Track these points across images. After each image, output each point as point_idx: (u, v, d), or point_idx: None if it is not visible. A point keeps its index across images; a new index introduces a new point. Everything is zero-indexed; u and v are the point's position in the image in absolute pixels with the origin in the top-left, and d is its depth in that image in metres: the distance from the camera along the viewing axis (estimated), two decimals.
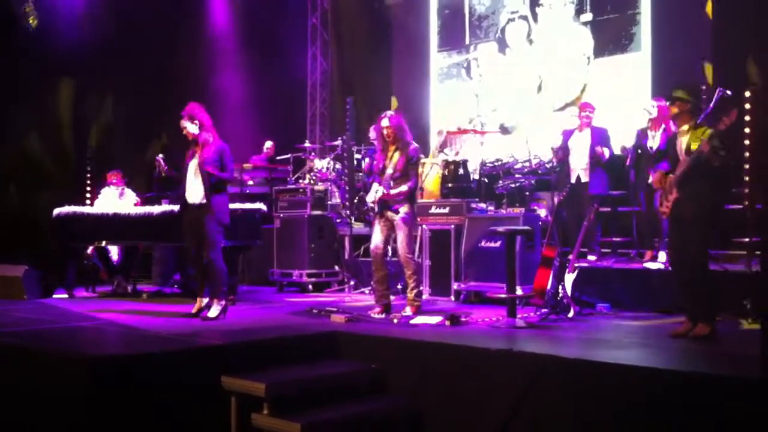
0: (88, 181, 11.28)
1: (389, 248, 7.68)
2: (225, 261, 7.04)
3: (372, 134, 11.45)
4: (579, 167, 8.71)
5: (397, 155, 7.05)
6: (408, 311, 7.00)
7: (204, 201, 6.91)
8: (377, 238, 7.16)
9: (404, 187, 6.98)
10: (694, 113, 5.88)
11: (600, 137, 8.69)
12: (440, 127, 11.00)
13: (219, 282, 6.91)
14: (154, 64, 11.55)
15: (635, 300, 7.40)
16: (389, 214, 7.05)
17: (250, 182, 11.28)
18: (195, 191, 6.95)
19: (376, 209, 7.13)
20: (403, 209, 7.01)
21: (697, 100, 6.02)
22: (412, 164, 7.05)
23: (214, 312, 6.85)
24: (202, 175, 6.89)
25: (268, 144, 12.21)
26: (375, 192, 7.07)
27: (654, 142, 8.24)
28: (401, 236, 7.01)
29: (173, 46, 11.83)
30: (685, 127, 5.82)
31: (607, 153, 8.61)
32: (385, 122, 7.11)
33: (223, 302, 6.90)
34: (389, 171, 7.02)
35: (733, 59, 9.02)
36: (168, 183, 7.03)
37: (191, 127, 6.97)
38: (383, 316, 6.97)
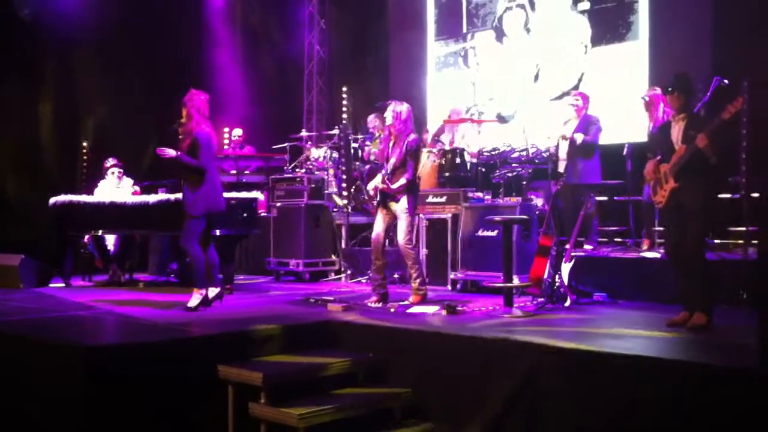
0: (85, 170, 11.24)
1: (388, 238, 7.68)
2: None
3: (369, 123, 11.51)
4: (562, 157, 8.70)
5: (397, 146, 7.12)
6: (412, 299, 7.05)
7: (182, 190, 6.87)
8: (378, 228, 7.20)
9: (402, 180, 7.01)
10: (692, 102, 5.87)
11: (584, 124, 8.63)
12: (437, 115, 10.99)
13: (195, 271, 6.78)
14: (151, 53, 11.51)
15: (632, 289, 7.40)
16: (390, 203, 7.09)
17: (233, 171, 11.23)
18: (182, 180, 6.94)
19: (378, 198, 7.17)
20: (403, 199, 7.04)
21: (694, 89, 6.01)
22: (410, 154, 7.07)
23: (193, 302, 6.72)
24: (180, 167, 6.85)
25: (238, 132, 12.15)
26: (376, 182, 7.17)
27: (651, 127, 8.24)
28: (401, 226, 7.04)
29: (171, 37, 11.78)
30: (682, 114, 5.81)
31: (579, 138, 8.46)
32: (387, 112, 7.17)
33: (203, 291, 6.75)
34: (392, 160, 7.10)
35: (733, 48, 9.01)
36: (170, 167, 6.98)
37: (183, 115, 6.91)
38: (380, 305, 6.98)
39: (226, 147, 11.76)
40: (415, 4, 12.91)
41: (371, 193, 7.32)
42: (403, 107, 7.18)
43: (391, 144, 7.19)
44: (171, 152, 6.73)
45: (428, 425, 5.35)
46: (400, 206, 7.05)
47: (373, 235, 7.28)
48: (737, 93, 6.63)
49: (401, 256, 7.22)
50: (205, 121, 6.89)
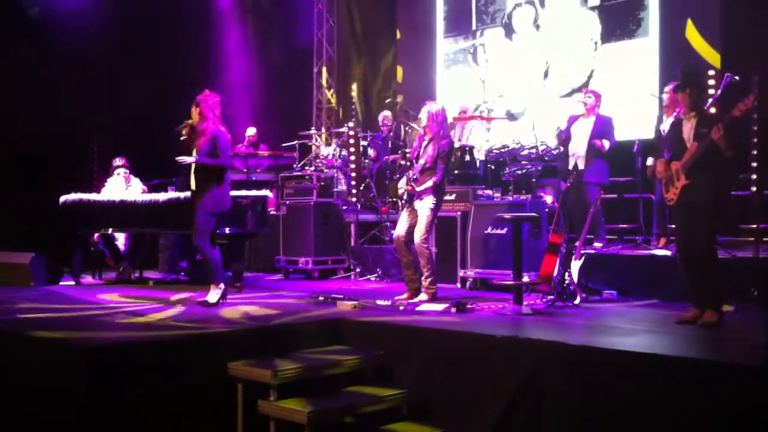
0: (95, 168, 11.26)
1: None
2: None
3: (380, 121, 11.53)
4: (577, 154, 8.67)
5: (430, 146, 7.10)
6: (423, 297, 7.06)
7: (194, 189, 6.93)
8: (402, 228, 7.20)
9: (429, 183, 7.03)
10: (703, 99, 5.84)
11: (602, 126, 8.61)
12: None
13: (211, 267, 6.91)
14: (158, 51, 11.52)
15: (642, 287, 7.37)
16: (415, 202, 7.12)
17: (244, 170, 11.24)
18: (192, 180, 6.98)
19: (405, 197, 7.19)
20: (428, 198, 7.05)
21: (704, 84, 5.99)
22: (441, 157, 7.06)
23: (213, 297, 6.83)
24: (193, 165, 6.91)
25: (252, 131, 12.12)
26: (405, 183, 7.19)
27: (666, 125, 8.18)
28: (420, 224, 7.05)
29: (179, 36, 11.80)
30: (693, 112, 5.78)
31: (607, 144, 8.50)
32: (422, 113, 7.18)
33: (221, 287, 6.89)
34: (421, 161, 7.11)
35: (742, 45, 8.97)
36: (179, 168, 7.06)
37: (194, 114, 6.95)
38: (416, 300, 7.01)
39: (240, 146, 11.76)
40: (425, 1, 12.89)
41: (403, 195, 7.31)
42: (438, 107, 7.18)
43: (424, 144, 7.19)
44: (189, 159, 6.86)
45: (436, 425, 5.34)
46: (424, 204, 7.06)
47: (395, 234, 7.30)
48: (748, 90, 6.62)
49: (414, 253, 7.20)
50: (220, 122, 6.97)
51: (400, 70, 13.27)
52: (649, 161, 8.46)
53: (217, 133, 6.90)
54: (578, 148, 8.65)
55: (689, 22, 9.51)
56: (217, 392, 5.27)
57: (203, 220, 6.89)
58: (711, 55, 9.35)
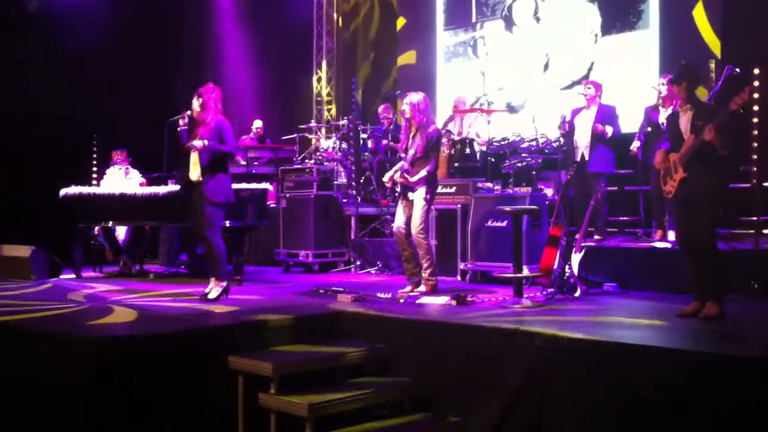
0: (94, 161, 11.25)
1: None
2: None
3: (380, 113, 11.51)
4: (583, 145, 8.66)
5: (417, 136, 7.09)
6: (423, 289, 7.07)
7: (200, 179, 6.81)
8: (399, 219, 7.21)
9: (423, 172, 7.02)
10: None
11: (605, 114, 8.61)
12: (446, 105, 10.96)
13: (217, 262, 6.84)
14: (159, 46, 11.51)
15: (642, 279, 7.37)
16: (409, 193, 7.11)
17: (243, 162, 11.24)
18: (195, 170, 6.85)
19: (398, 190, 7.17)
20: (421, 189, 7.04)
21: (700, 78, 5.98)
22: (431, 146, 7.06)
23: (214, 293, 6.79)
24: (199, 154, 6.81)
25: (258, 123, 12.09)
26: (394, 173, 7.16)
27: (663, 117, 8.17)
28: (415, 215, 7.05)
29: (178, 29, 11.79)
30: (688, 105, 5.77)
31: (610, 131, 8.48)
32: (404, 104, 7.16)
33: (224, 283, 6.84)
34: (411, 152, 7.09)
35: (743, 37, 8.95)
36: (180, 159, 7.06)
37: (195, 105, 6.92)
38: (417, 293, 7.01)
39: (246, 137, 11.77)
40: None
41: (387, 184, 7.34)
42: (420, 97, 7.15)
43: (411, 135, 7.17)
44: (198, 144, 6.75)
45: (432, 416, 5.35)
46: (418, 195, 7.05)
47: (395, 227, 7.30)
48: (748, 82, 6.61)
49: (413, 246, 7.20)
50: (221, 114, 6.95)
51: (399, 63, 13.22)
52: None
53: (221, 121, 6.88)
54: (582, 140, 8.64)
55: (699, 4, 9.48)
56: (217, 385, 5.27)
57: (212, 212, 6.81)
58: (713, 42, 9.34)
